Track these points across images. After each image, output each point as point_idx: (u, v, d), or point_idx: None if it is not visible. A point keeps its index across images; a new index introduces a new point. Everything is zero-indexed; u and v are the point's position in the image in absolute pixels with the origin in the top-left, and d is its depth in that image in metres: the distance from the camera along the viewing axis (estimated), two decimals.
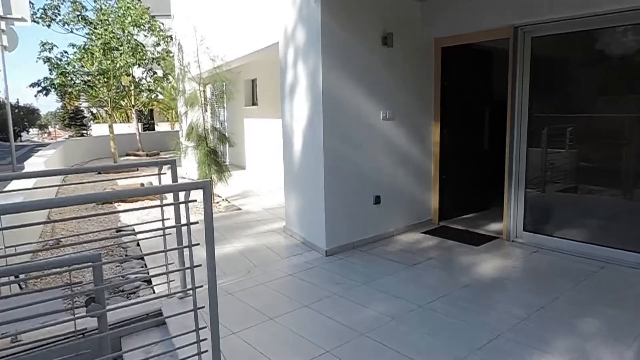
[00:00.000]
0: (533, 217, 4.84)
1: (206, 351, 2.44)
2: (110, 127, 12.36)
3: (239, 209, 7.07)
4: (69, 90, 11.93)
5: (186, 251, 3.23)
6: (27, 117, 42.85)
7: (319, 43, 4.43)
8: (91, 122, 30.89)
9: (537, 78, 4.66)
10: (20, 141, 38.32)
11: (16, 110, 41.66)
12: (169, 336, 3.07)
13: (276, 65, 7.39)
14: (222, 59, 7.18)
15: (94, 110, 24.28)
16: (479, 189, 6.08)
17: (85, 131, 33.11)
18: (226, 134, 7.50)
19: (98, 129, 24.89)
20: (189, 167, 9.88)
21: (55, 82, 11.49)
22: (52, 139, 40.12)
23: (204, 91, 7.87)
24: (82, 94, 12.27)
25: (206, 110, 7.85)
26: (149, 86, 14.72)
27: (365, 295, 3.63)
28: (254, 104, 11.42)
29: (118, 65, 11.52)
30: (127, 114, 20.36)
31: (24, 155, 14.56)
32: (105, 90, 12.01)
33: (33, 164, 7.01)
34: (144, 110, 24.50)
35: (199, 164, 7.36)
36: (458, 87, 5.63)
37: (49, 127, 46.28)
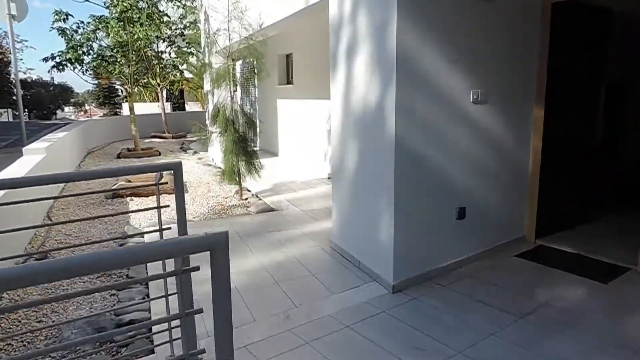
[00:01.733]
0: None
1: None
2: (131, 107, 11.32)
3: (272, 208, 5.84)
4: (85, 66, 10.89)
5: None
6: (61, 95, 42.94)
7: None
8: (122, 101, 30.34)
9: None
10: (55, 119, 38.44)
11: (51, 89, 41.85)
12: None
13: (316, 37, 6.05)
14: (260, 25, 5.86)
15: (122, 89, 23.45)
16: (589, 197, 4.64)
17: (119, 110, 32.62)
18: (254, 119, 6.23)
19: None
20: (216, 154, 8.74)
21: (67, 56, 10.46)
22: (87, 117, 40.17)
23: (233, 67, 6.64)
24: (99, 69, 11.24)
25: (235, 90, 6.63)
26: (173, 62, 13.53)
27: None
28: (288, 82, 10.11)
29: (136, 37, 10.33)
30: (156, 93, 19.40)
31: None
32: (125, 66, 10.90)
33: (32, 150, 5.97)
34: (173, 89, 23.55)
35: (225, 153, 6.16)
36: (570, 61, 4.15)
37: (86, 105, 46.48)
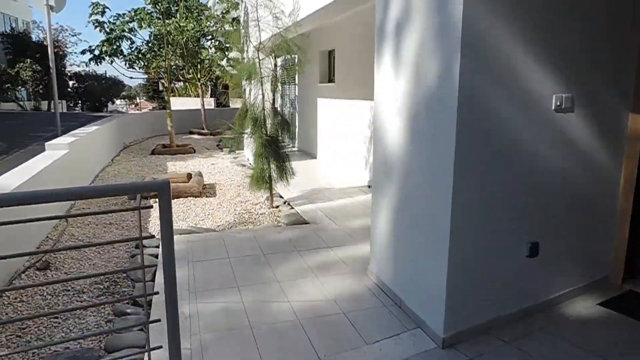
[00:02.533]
0: None
1: None
2: (168, 101, 11.08)
3: (304, 220, 5.24)
4: (122, 59, 10.74)
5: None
6: (112, 88, 44.39)
7: None
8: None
9: None
10: (107, 111, 39.76)
11: (103, 82, 43.39)
12: None
13: (360, 33, 5.46)
14: (291, 12, 5.27)
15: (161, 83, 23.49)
16: None
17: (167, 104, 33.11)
18: (288, 119, 5.65)
19: (175, 103, 24.10)
20: (250, 153, 8.26)
21: (103, 49, 10.32)
22: (137, 109, 41.39)
23: (275, 63, 6.11)
24: (135, 62, 11.05)
25: (275, 87, 6.08)
26: (211, 57, 13.23)
27: None
28: (330, 80, 9.49)
29: (171, 29, 10.03)
30: (201, 88, 19.37)
31: None
32: (161, 59, 10.65)
33: (54, 145, 5.65)
34: (218, 84, 23.46)
35: (255, 156, 5.63)
36: None
37: (137, 98, 47.88)
